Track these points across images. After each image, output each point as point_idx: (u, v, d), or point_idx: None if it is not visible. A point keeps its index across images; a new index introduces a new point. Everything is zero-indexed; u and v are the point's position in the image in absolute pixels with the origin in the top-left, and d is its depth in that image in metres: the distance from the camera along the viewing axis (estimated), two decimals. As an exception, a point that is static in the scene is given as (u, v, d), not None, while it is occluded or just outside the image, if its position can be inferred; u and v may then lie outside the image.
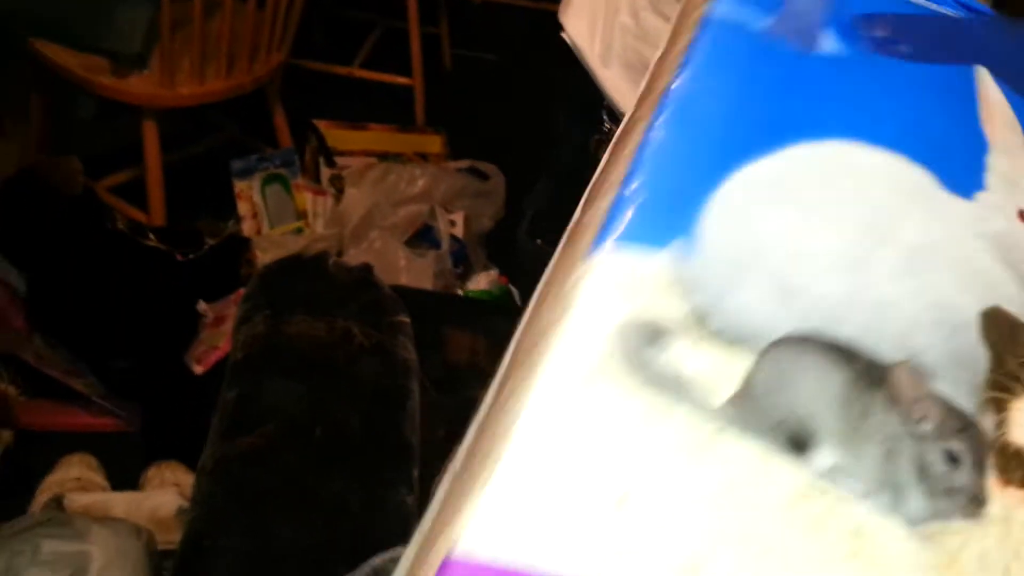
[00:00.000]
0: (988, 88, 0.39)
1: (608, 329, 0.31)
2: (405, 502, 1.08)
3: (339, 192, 1.98)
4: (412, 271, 1.71)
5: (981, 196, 0.37)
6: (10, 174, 1.59)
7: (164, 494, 1.36)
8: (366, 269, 1.29)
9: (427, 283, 1.68)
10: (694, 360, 0.31)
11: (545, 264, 0.38)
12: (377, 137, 2.20)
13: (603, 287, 0.31)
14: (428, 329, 1.31)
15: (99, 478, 1.44)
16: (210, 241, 1.78)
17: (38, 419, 1.54)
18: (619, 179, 0.34)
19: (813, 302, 0.33)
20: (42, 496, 1.36)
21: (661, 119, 0.36)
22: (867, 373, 0.33)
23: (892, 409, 0.32)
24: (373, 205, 1.88)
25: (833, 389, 0.32)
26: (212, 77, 1.75)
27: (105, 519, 1.09)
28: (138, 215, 1.79)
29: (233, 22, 1.69)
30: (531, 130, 2.00)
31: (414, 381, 1.22)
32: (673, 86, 0.37)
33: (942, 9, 0.43)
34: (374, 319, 1.23)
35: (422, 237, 1.88)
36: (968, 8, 0.43)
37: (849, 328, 0.33)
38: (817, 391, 0.32)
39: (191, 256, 1.72)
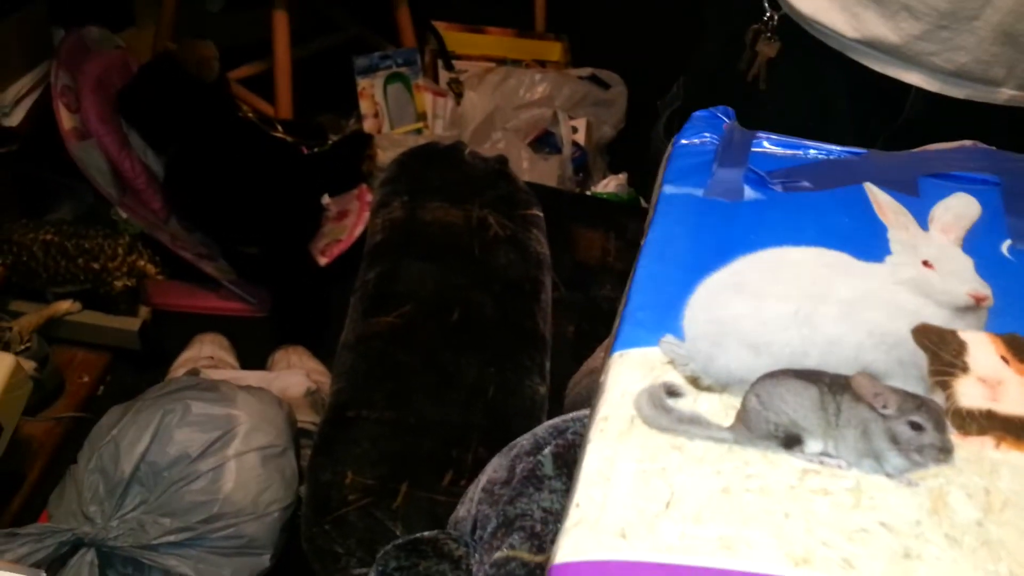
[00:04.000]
0: (876, 193, 0.55)
1: (636, 390, 0.46)
2: (538, 391, 1.08)
3: (458, 95, 1.97)
4: (535, 173, 1.70)
5: (890, 259, 0.51)
6: (147, 59, 1.62)
7: (293, 375, 1.40)
8: (501, 161, 1.28)
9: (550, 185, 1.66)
10: (701, 404, 0.45)
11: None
12: (496, 41, 2.17)
13: (627, 368, 0.47)
14: (558, 227, 1.30)
15: (230, 358, 1.48)
16: (333, 137, 1.80)
17: (172, 299, 1.59)
18: (624, 302, 0.52)
19: (778, 351, 0.47)
20: (177, 371, 1.41)
21: (641, 258, 0.53)
22: (833, 384, 0.44)
23: (859, 403, 0.44)
24: (494, 108, 1.87)
25: (809, 400, 0.44)
26: (341, -29, 1.74)
27: (249, 388, 1.13)
28: (265, 107, 1.81)
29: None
30: (657, 39, 1.95)
31: (546, 275, 1.21)
32: (646, 237, 0.55)
33: (829, 155, 0.60)
34: (508, 210, 1.22)
35: (543, 142, 1.86)
36: (851, 152, 0.60)
37: (811, 361, 0.46)
38: (797, 403, 0.44)
39: (316, 150, 1.74)
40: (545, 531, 0.51)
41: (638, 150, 1.78)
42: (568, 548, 0.40)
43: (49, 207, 1.62)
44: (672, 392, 0.45)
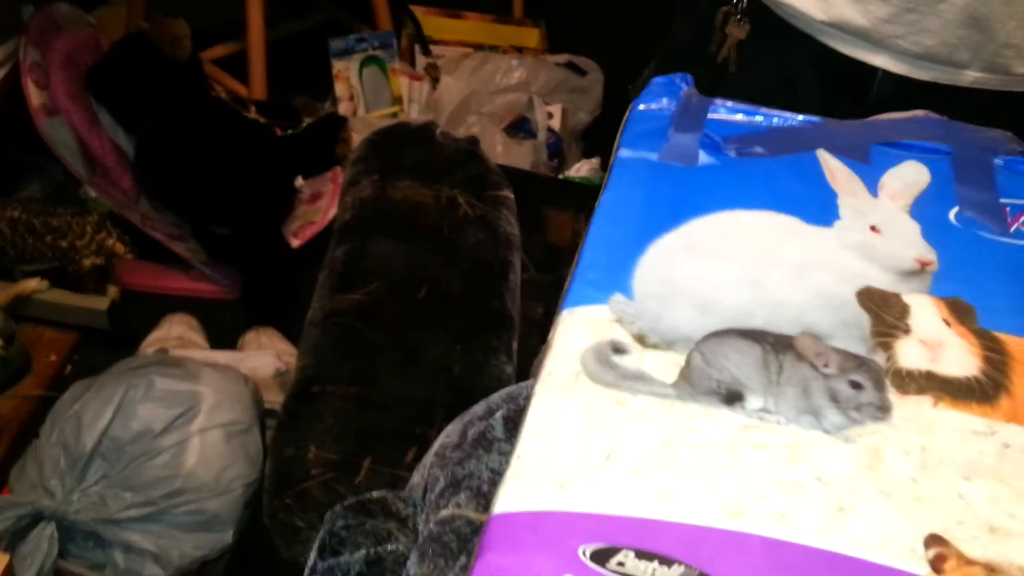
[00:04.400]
0: (828, 159, 0.56)
1: (583, 347, 0.46)
2: (504, 370, 1.08)
3: (435, 80, 1.97)
4: (509, 157, 1.70)
5: (839, 223, 0.52)
6: (118, 37, 1.60)
7: (262, 356, 1.39)
8: (472, 141, 1.28)
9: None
10: (646, 362, 0.45)
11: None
12: (473, 27, 2.16)
13: (575, 325, 0.48)
14: (530, 209, 1.30)
15: (200, 338, 1.48)
16: (308, 119, 1.79)
17: (142, 280, 1.58)
18: (576, 261, 0.53)
19: (725, 310, 0.47)
20: (146, 351, 1.40)
21: (594, 219, 0.55)
22: (776, 344, 0.45)
23: (800, 362, 0.44)
24: (470, 93, 1.87)
25: (752, 358, 0.44)
26: (317, -48, 1.73)
27: (215, 364, 1.12)
28: (239, 88, 1.80)
29: None
30: (635, 25, 1.95)
31: (516, 255, 1.22)
32: (599, 200, 0.56)
33: (784, 122, 0.60)
34: (479, 191, 1.22)
35: (519, 128, 1.85)
36: (806, 120, 0.61)
37: (756, 321, 0.46)
38: (740, 361, 0.44)
39: (290, 132, 1.73)
40: (492, 491, 0.50)
41: (613, 136, 1.79)
42: (507, 499, 0.40)
43: (17, 185, 1.60)
44: (618, 349, 0.46)
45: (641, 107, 0.60)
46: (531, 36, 2.17)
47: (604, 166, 1.75)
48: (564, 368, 0.45)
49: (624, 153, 0.57)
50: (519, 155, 1.71)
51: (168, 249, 1.56)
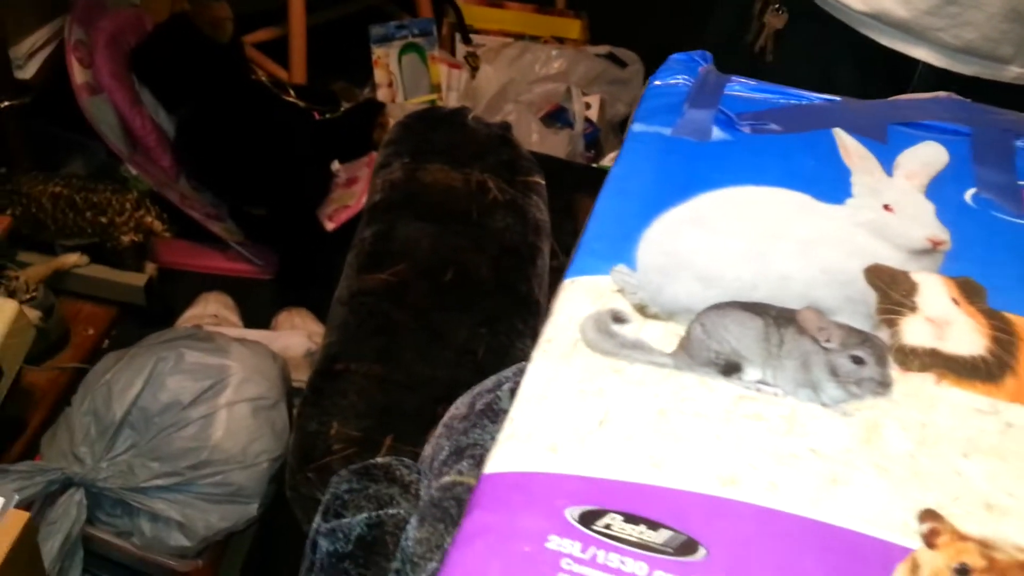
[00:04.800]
0: (843, 137, 0.55)
1: (583, 315, 0.46)
2: (529, 354, 1.09)
3: (474, 69, 1.97)
4: (545, 146, 1.70)
5: (851, 201, 0.51)
6: (162, 19, 1.63)
7: (294, 335, 1.41)
8: (504, 127, 1.28)
9: (558, 159, 1.66)
10: (645, 332, 0.45)
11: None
12: (515, 17, 2.17)
13: (576, 294, 0.48)
14: (561, 197, 1.30)
15: (234, 317, 1.50)
16: (346, 104, 1.80)
17: (179, 258, 1.60)
18: (581, 231, 0.52)
19: (728, 283, 0.47)
20: (181, 327, 1.43)
21: (602, 192, 0.54)
22: (779, 317, 0.44)
23: (802, 336, 0.44)
24: (508, 81, 1.87)
25: (753, 330, 0.44)
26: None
27: (244, 340, 1.14)
28: (279, 72, 1.82)
29: None
30: (677, 18, 1.94)
31: (545, 241, 1.22)
32: (610, 172, 0.55)
33: (801, 100, 0.60)
34: (509, 176, 1.22)
35: (556, 117, 1.85)
36: (824, 99, 0.61)
37: (760, 295, 0.46)
38: (740, 333, 0.44)
39: (328, 116, 1.75)
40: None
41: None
42: (499, 459, 0.40)
43: (60, 161, 1.64)
44: (618, 318, 0.46)
45: (657, 83, 0.60)
46: (573, 27, 2.16)
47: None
48: (563, 335, 0.45)
49: (637, 127, 0.57)
50: (555, 144, 1.71)
51: (205, 228, 1.58)
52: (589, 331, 0.45)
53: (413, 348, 1.02)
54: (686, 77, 0.59)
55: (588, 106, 1.87)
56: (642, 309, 0.46)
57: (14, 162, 1.52)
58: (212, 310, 1.50)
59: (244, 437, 1.03)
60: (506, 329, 1.08)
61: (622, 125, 1.96)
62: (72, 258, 1.49)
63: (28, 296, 1.35)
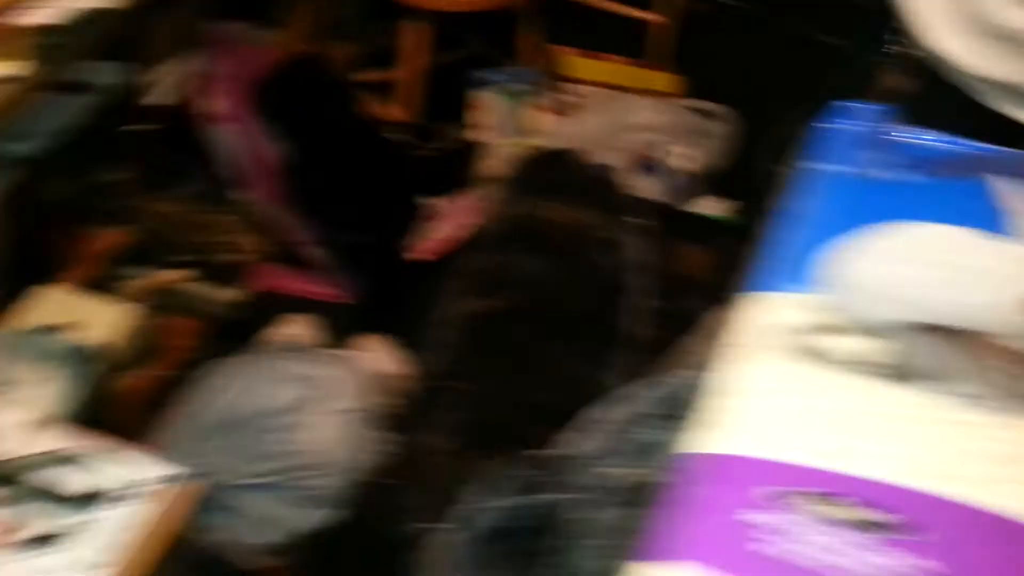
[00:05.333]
0: (1001, 183, 0.63)
1: (775, 325, 0.53)
2: (617, 385, 1.10)
3: (568, 116, 2.01)
4: (637, 192, 1.72)
5: (1018, 238, 0.58)
6: (286, 56, 1.71)
7: (376, 357, 1.44)
8: (608, 169, 1.32)
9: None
10: (846, 343, 0.51)
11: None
12: (610, 68, 2.20)
13: (766, 307, 0.54)
14: (660, 239, 1.33)
15: (317, 337, 1.53)
16: (446, 143, 1.86)
17: (270, 279, 1.65)
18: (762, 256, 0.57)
19: (925, 308, 0.52)
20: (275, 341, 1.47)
21: (784, 223, 0.60)
22: (967, 337, 0.50)
23: (1004, 354, 0.48)
24: (602, 129, 1.90)
25: (958, 348, 0.49)
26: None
27: (334, 356, 1.17)
28: (385, 110, 1.89)
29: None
30: (768, 76, 1.95)
31: (643, 280, 1.25)
32: (787, 206, 0.62)
33: (964, 148, 0.68)
34: (613, 216, 1.27)
35: (646, 166, 1.87)
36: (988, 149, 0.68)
37: (957, 319, 0.51)
38: (937, 351, 0.49)
39: (428, 153, 1.80)
40: (639, 459, 0.57)
41: (740, 179, 1.79)
42: (694, 442, 0.46)
43: (171, 183, 1.71)
44: (815, 331, 0.52)
45: (834, 126, 0.68)
46: (665, 80, 2.19)
47: (733, 207, 1.75)
48: (754, 341, 0.52)
49: (817, 166, 0.65)
50: (646, 191, 1.72)
51: (297, 253, 1.63)
52: (790, 339, 0.51)
53: (509, 370, 1.05)
54: (858, 122, 0.68)
55: (677, 156, 1.89)
56: (836, 327, 0.52)
57: (132, 182, 1.61)
58: (297, 331, 1.54)
59: (330, 445, 1.05)
60: (597, 363, 1.11)
61: (711, 177, 1.97)
62: (173, 274, 1.55)
63: (132, 306, 1.41)
